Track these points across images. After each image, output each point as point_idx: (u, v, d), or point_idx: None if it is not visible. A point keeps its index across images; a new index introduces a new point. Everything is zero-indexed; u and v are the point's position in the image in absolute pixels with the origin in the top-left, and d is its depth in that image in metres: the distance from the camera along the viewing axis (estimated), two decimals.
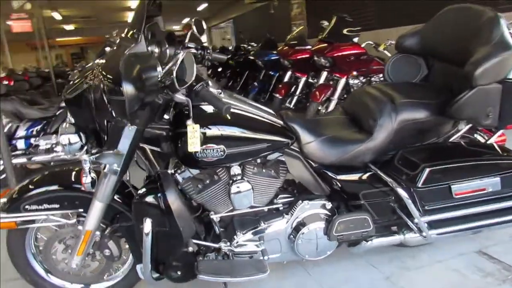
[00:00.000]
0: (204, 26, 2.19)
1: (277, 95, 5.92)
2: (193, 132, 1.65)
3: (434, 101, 1.95)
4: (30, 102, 4.41)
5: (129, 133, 1.67)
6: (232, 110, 1.80)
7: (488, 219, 1.98)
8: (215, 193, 1.91)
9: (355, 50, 5.07)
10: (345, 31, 5.11)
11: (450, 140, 2.11)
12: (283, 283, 2.24)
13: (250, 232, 1.99)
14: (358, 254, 2.30)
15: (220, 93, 1.86)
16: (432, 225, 1.95)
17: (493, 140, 2.14)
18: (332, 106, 5.13)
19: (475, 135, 2.35)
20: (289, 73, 6.18)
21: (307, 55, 5.85)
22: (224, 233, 2.01)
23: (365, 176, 2.00)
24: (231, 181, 1.90)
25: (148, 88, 1.58)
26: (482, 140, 2.33)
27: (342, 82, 5.11)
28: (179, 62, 1.55)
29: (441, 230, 1.96)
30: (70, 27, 20.12)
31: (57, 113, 4.32)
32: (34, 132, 4.22)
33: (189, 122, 1.64)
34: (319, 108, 5.11)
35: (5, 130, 3.83)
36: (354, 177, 2.01)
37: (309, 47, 5.90)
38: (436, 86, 2.19)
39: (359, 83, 5.20)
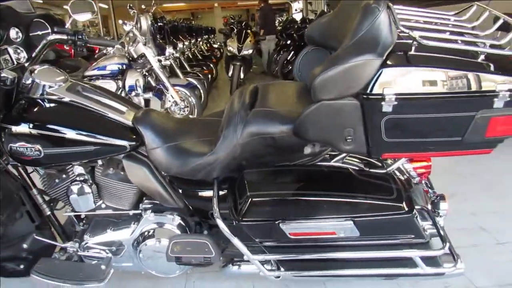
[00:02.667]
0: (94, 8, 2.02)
1: None
2: None
3: (297, 112, 1.52)
4: None
5: None
6: (60, 106, 1.67)
7: (352, 268, 1.57)
8: (62, 191, 1.82)
9: None
10: None
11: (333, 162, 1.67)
12: None
13: (99, 236, 1.86)
14: None
15: (61, 85, 1.73)
16: (283, 264, 1.61)
17: (394, 168, 1.64)
18: None
19: None
20: None
21: None
22: (79, 233, 1.91)
23: (210, 194, 1.70)
24: (71, 182, 1.78)
25: None
26: None
27: None
28: None
29: (293, 272, 1.61)
30: None
31: None
32: None
33: None
34: None
35: None
36: (202, 193, 1.73)
37: None
38: None
39: None
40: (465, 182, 3.16)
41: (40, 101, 1.69)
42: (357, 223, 1.47)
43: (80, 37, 1.90)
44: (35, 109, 1.67)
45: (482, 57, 1.37)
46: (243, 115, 1.56)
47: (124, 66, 4.31)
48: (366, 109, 1.35)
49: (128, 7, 4.48)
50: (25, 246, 1.87)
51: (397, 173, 1.78)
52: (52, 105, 1.69)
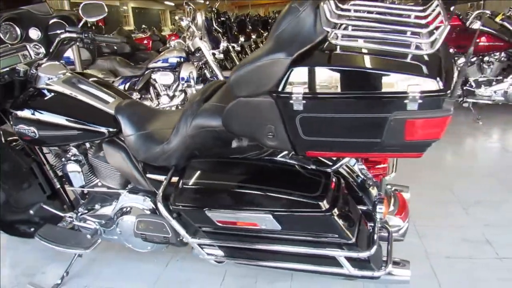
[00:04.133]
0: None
1: None
2: None
3: None
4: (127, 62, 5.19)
5: None
6: (55, 95, 1.96)
7: (281, 261, 1.61)
8: (62, 168, 2.13)
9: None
10: None
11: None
12: None
13: (91, 210, 2.14)
14: None
15: (60, 77, 2.02)
16: (222, 250, 1.72)
17: (338, 167, 1.63)
18: None
19: None
20: None
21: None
22: (79, 206, 2.21)
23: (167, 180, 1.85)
24: (67, 161, 2.07)
25: None
26: None
27: None
28: None
29: (230, 258, 1.71)
30: None
31: (145, 73, 4.98)
32: (125, 87, 5.00)
33: None
34: None
35: None
36: (160, 178, 1.88)
37: None
38: None
39: (466, 64, 4.18)
40: None
41: (41, 91, 1.99)
42: (277, 217, 1.50)
43: (86, 35, 2.16)
44: (35, 97, 1.97)
45: (409, 57, 1.30)
46: (195, 108, 1.69)
47: (182, 59, 4.65)
48: (280, 107, 1.38)
49: (184, 4, 4.78)
50: (31, 212, 2.22)
51: (359, 174, 1.78)
52: (49, 94, 1.97)
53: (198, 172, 1.67)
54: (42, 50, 2.19)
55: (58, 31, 2.21)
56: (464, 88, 4.24)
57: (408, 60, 1.30)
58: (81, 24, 2.27)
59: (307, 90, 1.33)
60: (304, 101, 1.34)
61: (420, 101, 1.25)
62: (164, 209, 1.70)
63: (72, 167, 2.05)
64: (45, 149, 2.25)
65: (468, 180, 3.07)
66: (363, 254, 1.53)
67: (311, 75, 1.33)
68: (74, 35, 2.14)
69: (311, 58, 1.36)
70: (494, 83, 4.25)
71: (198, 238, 1.73)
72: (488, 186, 2.95)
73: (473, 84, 4.26)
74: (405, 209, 1.89)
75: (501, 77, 4.24)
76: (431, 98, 1.26)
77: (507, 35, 4.16)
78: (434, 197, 2.85)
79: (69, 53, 4.16)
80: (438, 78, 1.26)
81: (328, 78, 1.32)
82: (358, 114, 1.33)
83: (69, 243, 2.09)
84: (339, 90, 1.32)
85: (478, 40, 4.09)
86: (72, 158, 2.07)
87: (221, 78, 4.59)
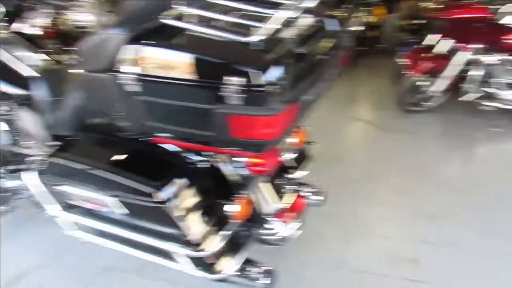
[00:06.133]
0: None
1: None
2: None
3: None
4: None
5: None
6: None
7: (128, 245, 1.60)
8: None
9: (472, 14, 3.60)
10: None
11: None
12: None
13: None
14: None
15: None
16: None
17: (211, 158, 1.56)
18: (443, 85, 3.94)
19: None
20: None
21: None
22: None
23: None
24: None
25: None
26: None
27: (460, 56, 3.80)
28: None
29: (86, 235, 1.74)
30: None
31: None
32: None
33: None
34: (419, 83, 4.00)
35: None
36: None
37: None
38: None
39: (494, 61, 3.73)
40: None
41: None
42: (120, 201, 1.49)
43: None
44: None
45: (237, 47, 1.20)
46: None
47: None
48: (116, 86, 1.34)
49: None
50: None
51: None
52: None
53: (70, 147, 1.69)
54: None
55: None
56: (486, 89, 3.77)
57: (235, 49, 1.20)
58: None
59: (139, 71, 1.28)
60: (137, 83, 1.29)
61: (241, 95, 1.16)
62: (30, 179, 1.74)
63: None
64: None
65: (441, 190, 2.77)
66: (200, 253, 1.47)
67: (143, 55, 1.28)
68: None
69: (146, 37, 1.30)
70: None
71: (66, 212, 1.76)
72: (455, 199, 2.65)
73: (497, 86, 3.77)
74: (290, 213, 1.77)
75: None
76: (254, 93, 1.16)
77: None
78: (391, 204, 2.63)
79: None
80: (261, 72, 1.14)
81: (159, 60, 1.27)
82: (187, 102, 1.29)
83: None
84: (167, 74, 1.26)
85: (509, 37, 3.58)
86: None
87: None
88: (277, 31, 1.22)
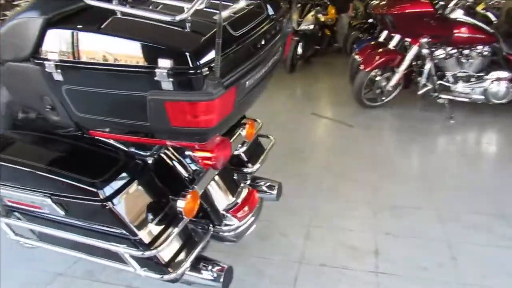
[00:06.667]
0: None
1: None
2: None
3: None
4: None
5: None
6: None
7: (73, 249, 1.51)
8: None
9: (416, 9, 3.68)
10: None
11: None
12: None
13: None
14: None
15: None
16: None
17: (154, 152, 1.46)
18: (395, 79, 4.00)
19: None
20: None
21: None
22: None
23: None
24: None
25: None
26: None
27: (413, 50, 3.87)
28: None
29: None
30: None
31: None
32: None
33: None
34: (375, 79, 4.04)
35: None
36: None
37: None
38: None
39: (444, 55, 3.81)
40: None
41: None
42: (56, 202, 1.36)
43: None
44: None
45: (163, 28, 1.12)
46: None
47: None
48: (44, 76, 1.23)
49: None
50: None
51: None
52: None
53: (13, 145, 1.55)
54: None
55: None
56: (439, 82, 3.85)
57: (163, 31, 1.13)
58: None
59: (65, 58, 1.18)
60: (62, 71, 1.19)
61: (171, 79, 1.07)
62: None
63: None
64: None
65: (402, 182, 2.77)
66: (147, 253, 1.36)
67: (68, 40, 1.18)
68: None
69: (69, 19, 1.20)
70: (473, 79, 3.83)
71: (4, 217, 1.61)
72: (416, 191, 2.66)
73: (450, 79, 3.86)
74: (244, 208, 1.69)
75: (482, 74, 3.81)
76: (183, 77, 1.09)
77: (491, 27, 3.72)
78: (351, 197, 2.60)
79: None
80: (187, 54, 1.07)
81: (85, 45, 1.17)
82: (116, 90, 1.19)
83: None
84: (95, 59, 1.16)
85: (457, 31, 3.67)
86: None
87: None
88: (209, 12, 1.16)
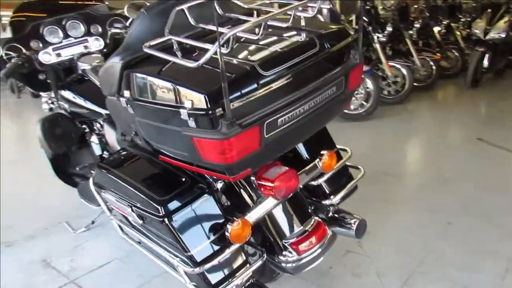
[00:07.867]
0: None
1: None
2: None
3: None
4: None
5: None
6: (83, 79, 2.49)
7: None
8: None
9: None
10: None
11: None
12: None
13: None
14: None
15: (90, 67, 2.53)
16: None
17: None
18: None
19: None
20: None
21: None
22: None
23: None
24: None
25: None
26: None
27: None
28: None
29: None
30: None
31: None
32: None
33: None
34: None
35: None
36: None
37: None
38: None
39: None
40: None
41: (78, 76, 2.52)
42: (135, 211, 1.59)
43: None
44: (71, 81, 2.52)
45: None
46: None
47: None
48: (123, 108, 1.49)
49: None
50: (81, 169, 2.81)
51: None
52: (82, 79, 2.48)
53: (114, 159, 1.89)
54: (101, 42, 2.72)
55: (114, 27, 2.70)
56: None
57: (191, 74, 1.24)
58: (129, 22, 2.71)
59: (133, 96, 1.41)
60: (131, 105, 1.43)
61: (192, 118, 1.21)
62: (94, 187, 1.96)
63: (93, 138, 2.54)
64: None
65: None
66: (196, 270, 1.47)
67: (133, 81, 1.41)
68: (118, 30, 2.60)
69: (137, 64, 1.42)
70: None
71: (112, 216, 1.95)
72: None
73: None
74: (310, 240, 1.65)
75: None
76: (201, 116, 1.19)
77: None
78: (485, 246, 2.19)
79: None
80: (202, 96, 1.16)
81: (143, 86, 1.38)
82: (163, 124, 1.36)
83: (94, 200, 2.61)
84: (147, 97, 1.36)
85: None
86: (96, 131, 2.56)
87: (383, 59, 4.78)
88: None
